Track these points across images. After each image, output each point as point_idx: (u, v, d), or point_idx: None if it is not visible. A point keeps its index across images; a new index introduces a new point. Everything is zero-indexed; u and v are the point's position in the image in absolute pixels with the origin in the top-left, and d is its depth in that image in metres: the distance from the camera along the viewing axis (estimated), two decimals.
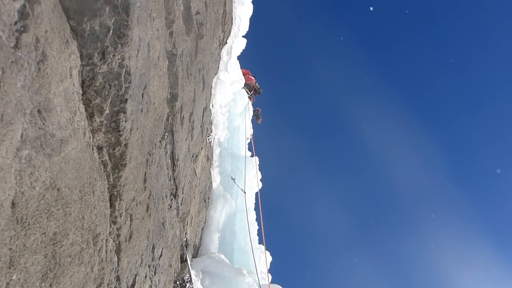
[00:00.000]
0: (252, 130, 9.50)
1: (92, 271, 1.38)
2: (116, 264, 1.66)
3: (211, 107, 5.50)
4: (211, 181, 6.03)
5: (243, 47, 8.18)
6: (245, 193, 6.15)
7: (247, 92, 9.84)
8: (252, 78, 10.53)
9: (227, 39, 6.00)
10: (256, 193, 7.51)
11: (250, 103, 10.13)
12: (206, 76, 4.06)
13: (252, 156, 8.26)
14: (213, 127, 6.20)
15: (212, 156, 6.40)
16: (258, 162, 7.92)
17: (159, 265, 2.57)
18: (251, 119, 10.10)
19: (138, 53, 1.54)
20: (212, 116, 5.93)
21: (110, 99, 1.41)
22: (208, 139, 5.83)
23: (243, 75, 10.33)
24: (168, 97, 2.53)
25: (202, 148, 4.62)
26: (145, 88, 1.75)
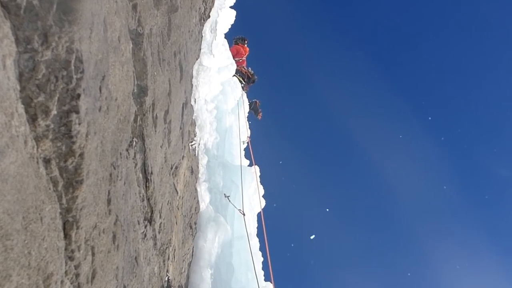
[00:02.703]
0: (249, 131, 9.54)
1: None
2: None
3: (193, 103, 5.54)
4: (197, 200, 6.04)
5: (232, 22, 8.26)
6: (243, 214, 6.15)
7: (240, 81, 9.90)
8: (242, 60, 10.64)
9: (209, 11, 6.05)
10: (259, 214, 7.52)
11: (245, 95, 10.19)
12: (184, 61, 4.09)
13: (250, 165, 8.29)
14: (196, 129, 6.23)
15: (198, 167, 6.43)
16: (258, 173, 7.94)
17: None
18: (247, 116, 10.17)
19: (91, 33, 1.56)
20: (195, 114, 5.96)
21: (58, 95, 1.43)
22: (191, 145, 5.86)
23: (234, 57, 10.46)
24: (135, 90, 2.56)
25: (183, 157, 4.64)
26: (103, 79, 1.77)
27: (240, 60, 10.61)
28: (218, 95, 8.34)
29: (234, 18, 8.26)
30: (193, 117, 5.85)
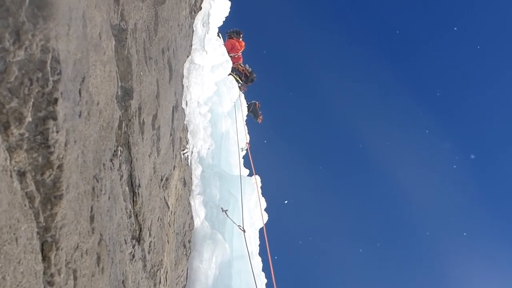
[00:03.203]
0: (248, 136, 9.57)
1: None
2: None
3: (184, 106, 5.57)
4: (191, 216, 6.04)
5: (226, 13, 8.31)
6: (244, 231, 6.15)
7: (237, 80, 9.95)
8: (238, 56, 10.69)
9: (201, 2, 6.11)
10: (261, 230, 7.51)
11: (242, 95, 10.23)
12: (174, 59, 4.12)
13: (250, 175, 8.29)
14: (189, 136, 6.26)
15: (191, 178, 6.44)
16: (260, 184, 7.94)
17: None
18: (246, 120, 10.20)
19: (69, 29, 1.58)
20: (186, 119, 5.99)
21: (33, 100, 1.44)
22: (183, 153, 5.88)
23: (229, 53, 10.49)
24: (119, 93, 2.58)
25: (174, 167, 4.65)
26: (83, 81, 1.79)
27: (236, 56, 10.68)
28: (213, 96, 8.38)
29: (229, 10, 8.30)
30: (185, 122, 5.88)
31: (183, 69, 5.36)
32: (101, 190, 2.19)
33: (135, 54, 2.79)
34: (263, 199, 7.97)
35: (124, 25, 2.63)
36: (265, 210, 7.88)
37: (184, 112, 5.60)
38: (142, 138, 3.09)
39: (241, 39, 10.78)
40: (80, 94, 1.76)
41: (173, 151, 4.43)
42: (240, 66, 10.47)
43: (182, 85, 5.41)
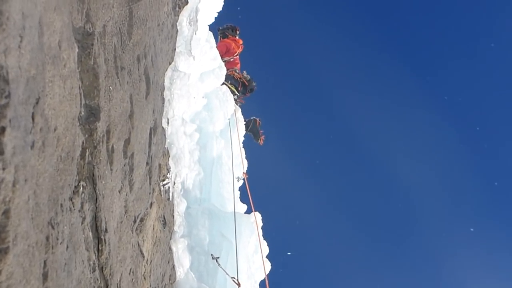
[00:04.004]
0: (246, 162, 9.56)
1: None
2: None
3: (165, 125, 5.59)
4: (173, 265, 6.00)
5: (219, 8, 8.40)
6: (238, 285, 6.10)
7: (233, 91, 10.00)
8: (234, 59, 10.75)
9: None
10: (262, 283, 7.45)
11: (239, 110, 10.26)
12: (152, 68, 4.15)
13: (248, 212, 8.28)
14: (170, 162, 6.26)
15: (173, 217, 6.42)
16: (261, 223, 7.91)
17: None
18: (243, 141, 10.22)
19: (21, 41, 1.60)
20: (168, 141, 6.00)
21: None
22: (163, 185, 5.87)
23: (223, 57, 10.55)
24: (82, 113, 2.59)
25: (151, 204, 4.64)
26: (37, 103, 1.80)
27: (232, 60, 10.73)
28: (201, 112, 8.43)
29: (222, 3, 8.39)
30: (166, 145, 5.89)
31: (164, 79, 5.40)
32: (57, 239, 2.18)
33: (103, 64, 2.81)
34: (264, 243, 7.93)
35: (90, 28, 2.65)
36: (267, 257, 7.84)
37: (164, 133, 5.62)
38: (111, 170, 3.09)
39: (237, 38, 10.85)
40: (33, 119, 1.77)
41: (150, 184, 4.42)
42: (236, 73, 10.50)
43: (163, 99, 5.44)
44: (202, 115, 8.48)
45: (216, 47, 10.49)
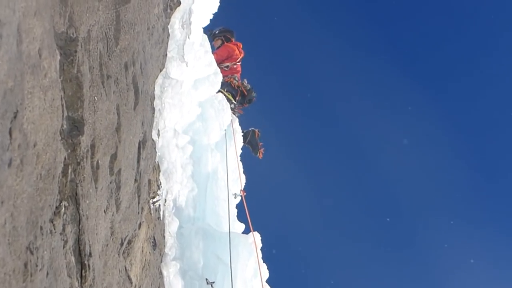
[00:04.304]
0: (243, 178, 9.53)
1: None
2: None
3: (155, 137, 5.58)
4: None
5: (214, 9, 8.40)
6: None
7: (230, 100, 9.98)
8: (237, 65, 10.74)
9: None
10: None
11: (237, 121, 10.25)
12: (141, 76, 4.14)
13: (247, 232, 8.22)
14: (161, 178, 6.25)
15: (164, 237, 6.39)
16: (260, 244, 7.87)
17: None
18: (241, 154, 10.20)
19: None
20: (158, 154, 5.98)
21: None
22: (153, 203, 5.85)
23: (223, 62, 10.54)
24: (65, 127, 2.57)
25: (140, 224, 4.62)
26: (15, 117, 1.78)
27: (235, 66, 10.72)
28: (195, 122, 8.41)
29: (218, 4, 8.40)
30: (156, 159, 5.87)
31: (154, 88, 5.40)
32: (36, 265, 2.15)
33: (87, 73, 2.80)
34: (264, 266, 7.88)
35: (73, 33, 2.64)
36: (267, 281, 7.79)
37: (154, 146, 5.60)
38: (96, 188, 3.06)
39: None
40: (10, 135, 1.75)
41: (138, 202, 4.40)
42: (234, 81, 10.46)
43: (153, 109, 5.43)
44: (196, 126, 8.46)
45: (216, 52, 10.52)
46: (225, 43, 10.88)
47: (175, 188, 6.93)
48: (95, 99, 2.89)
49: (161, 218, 6.26)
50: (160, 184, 6.25)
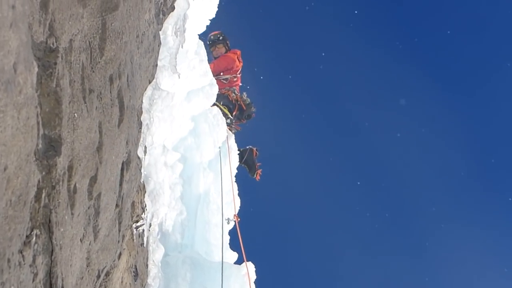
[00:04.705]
0: (238, 200, 9.52)
1: None
2: None
3: (141, 154, 5.59)
4: None
5: (211, 15, 8.47)
6: None
7: (226, 114, 10.00)
8: (237, 78, 10.78)
9: (173, 0, 6.25)
10: None
11: (232, 137, 10.26)
12: (128, 90, 4.16)
13: (240, 262, 8.20)
14: (146, 199, 6.25)
15: (147, 266, 6.38)
16: (254, 276, 7.86)
17: None
18: (236, 174, 10.18)
19: None
20: (144, 173, 5.99)
21: None
22: (136, 227, 5.85)
23: (221, 74, 10.55)
24: (40, 146, 2.58)
25: (120, 253, 4.62)
26: None
27: (235, 79, 10.73)
28: (187, 138, 8.44)
29: (216, 10, 8.47)
30: (141, 180, 5.88)
31: (142, 101, 5.41)
32: None
33: (67, 87, 2.81)
34: None
35: (53, 43, 2.66)
36: None
37: (139, 165, 5.60)
38: (72, 214, 3.07)
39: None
40: None
41: (119, 230, 4.40)
42: (232, 94, 10.46)
43: (139, 125, 5.44)
44: (187, 142, 8.48)
45: (214, 62, 10.54)
46: (227, 51, 10.92)
47: (162, 211, 6.92)
48: (75, 116, 2.90)
49: (145, 245, 6.24)
50: (145, 206, 6.24)
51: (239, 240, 8.31)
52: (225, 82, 10.56)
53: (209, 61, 10.05)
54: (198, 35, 8.11)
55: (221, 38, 11.06)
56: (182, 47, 6.37)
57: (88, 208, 3.36)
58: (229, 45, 11.03)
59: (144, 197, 6.18)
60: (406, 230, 38.43)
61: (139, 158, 5.50)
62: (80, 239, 3.26)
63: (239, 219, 8.63)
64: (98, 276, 3.82)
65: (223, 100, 10.23)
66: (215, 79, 9.15)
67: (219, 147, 9.38)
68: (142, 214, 6.07)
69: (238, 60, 10.78)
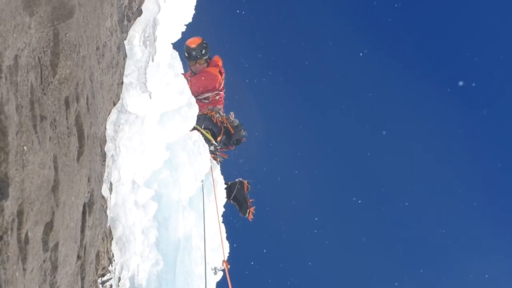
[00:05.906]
0: (227, 245, 9.50)
1: None
2: None
3: (106, 194, 5.57)
4: None
5: (187, 20, 8.48)
6: None
7: (209, 139, 9.99)
8: (219, 96, 10.78)
9: (140, 3, 6.25)
10: None
11: (218, 168, 10.24)
12: (88, 114, 4.14)
13: None
14: (114, 248, 6.21)
15: None
16: None
17: None
18: (223, 212, 10.14)
19: None
20: (110, 216, 5.96)
21: None
22: (102, 282, 5.83)
23: (204, 92, 10.54)
24: None
25: None
26: None
27: (217, 97, 10.67)
28: (161, 171, 8.42)
29: (193, 12, 8.48)
30: (107, 225, 5.84)
31: (105, 127, 5.40)
32: None
33: (14, 114, 2.79)
34: None
35: None
36: None
37: (104, 208, 5.57)
38: (24, 270, 3.04)
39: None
40: None
41: (82, 286, 4.36)
42: (216, 115, 10.39)
43: (104, 155, 5.42)
44: (162, 176, 8.45)
45: (192, 81, 10.52)
46: (210, 62, 10.83)
47: (133, 262, 6.87)
48: (24, 149, 2.88)
49: None
50: (113, 256, 6.20)
51: None
52: (206, 102, 10.52)
53: (185, 71, 10.02)
54: (172, 44, 8.11)
55: (203, 52, 10.81)
56: (152, 59, 6.34)
57: (44, 261, 3.32)
58: (209, 55, 10.88)
59: (111, 245, 6.14)
60: (407, 234, 41.00)
61: (103, 197, 5.47)
62: None
63: (229, 266, 8.56)
64: None
65: (205, 123, 10.16)
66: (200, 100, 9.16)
67: (202, 181, 9.36)
68: (109, 266, 6.04)
69: (220, 72, 10.73)
